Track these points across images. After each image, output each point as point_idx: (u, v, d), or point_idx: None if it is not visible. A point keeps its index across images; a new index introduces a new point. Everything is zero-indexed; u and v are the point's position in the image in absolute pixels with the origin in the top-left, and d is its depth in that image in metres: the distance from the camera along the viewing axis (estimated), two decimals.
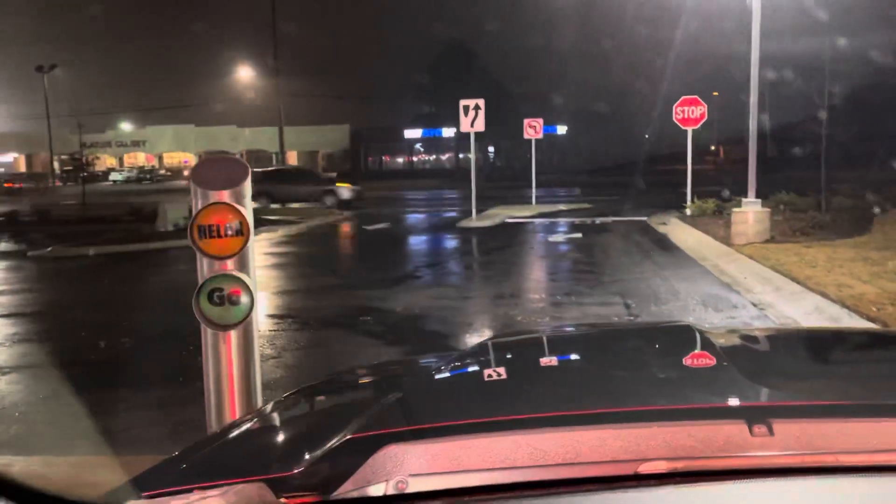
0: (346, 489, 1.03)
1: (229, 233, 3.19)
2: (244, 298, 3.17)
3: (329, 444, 1.21)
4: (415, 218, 22.52)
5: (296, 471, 1.15)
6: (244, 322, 3.18)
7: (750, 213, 12.13)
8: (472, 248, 14.48)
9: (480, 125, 17.87)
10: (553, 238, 14.83)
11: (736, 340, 2.01)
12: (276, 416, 1.68)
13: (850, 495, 0.95)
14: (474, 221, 18.20)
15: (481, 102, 17.74)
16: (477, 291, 9.42)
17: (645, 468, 1.00)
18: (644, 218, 17.82)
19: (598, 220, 17.95)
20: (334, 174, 33.95)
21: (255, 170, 26.93)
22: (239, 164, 3.34)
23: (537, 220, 18.71)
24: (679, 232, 14.64)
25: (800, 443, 1.07)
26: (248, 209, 3.22)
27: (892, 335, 2.87)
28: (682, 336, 2.05)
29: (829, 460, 1.02)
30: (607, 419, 1.20)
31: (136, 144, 73.13)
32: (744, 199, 12.72)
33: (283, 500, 1.05)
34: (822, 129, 16.27)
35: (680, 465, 1.00)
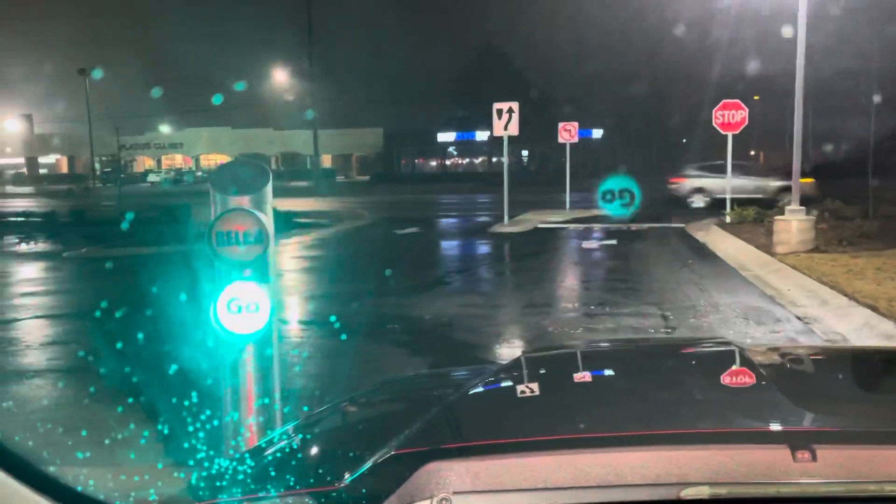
0: None
1: (249, 240, 3.08)
2: (263, 307, 3.07)
3: (373, 460, 1.20)
4: (446, 222, 22.34)
5: (340, 485, 1.15)
6: (263, 331, 3.08)
7: (793, 222, 11.68)
8: (504, 254, 14.22)
9: (514, 129, 17.61)
10: (587, 244, 14.50)
11: (778, 359, 1.94)
12: (318, 428, 1.68)
13: None
14: (506, 226, 17.93)
15: (515, 106, 17.48)
16: (507, 300, 9.18)
17: (688, 493, 0.98)
18: (682, 224, 17.37)
19: (634, 227, 17.55)
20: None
21: (696, 164, 23.18)
22: (260, 169, 3.23)
23: (571, 226, 18.37)
24: (718, 240, 14.20)
25: (844, 470, 1.05)
26: (269, 215, 3.12)
27: None
28: (722, 355, 2.01)
29: (874, 489, 0.99)
30: (649, 441, 1.19)
31: (174, 146, 74.30)
32: (787, 207, 12.27)
33: None
34: (869, 133, 15.66)
35: (723, 491, 0.98)
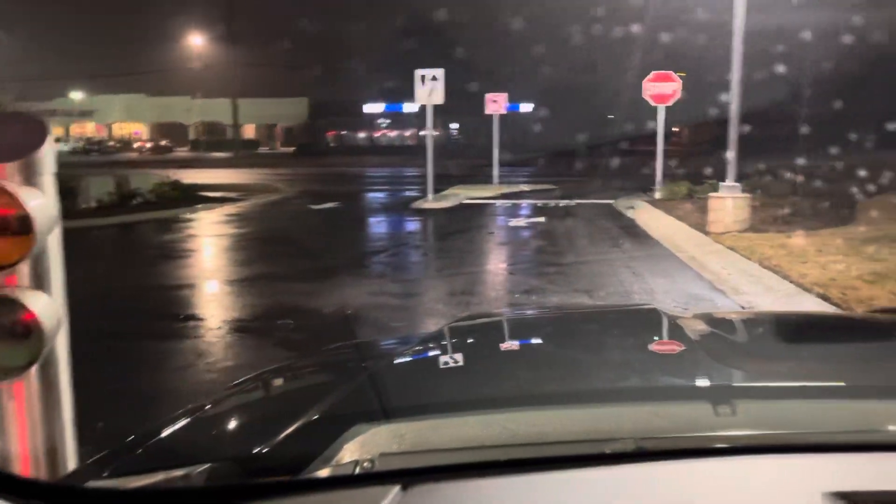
0: (315, 469, 1.00)
1: (12, 229, 1.90)
2: (42, 327, 1.91)
3: (296, 425, 1.17)
4: (368, 197, 21.18)
5: (263, 451, 1.11)
6: (43, 363, 1.95)
7: (729, 199, 11.06)
8: (426, 233, 13.20)
9: (439, 97, 16.50)
10: (514, 222, 13.62)
11: (702, 323, 1.91)
12: (239, 399, 1.61)
13: (817, 472, 0.90)
14: (430, 202, 16.90)
15: (439, 73, 16.36)
16: (422, 287, 8.17)
17: (613, 447, 0.97)
18: (610, 201, 16.73)
19: (563, 203, 16.79)
20: None
21: None
22: (32, 126, 2.04)
23: (498, 202, 17.49)
24: (649, 217, 13.54)
25: (765, 422, 1.08)
26: (45, 191, 1.94)
27: (860, 319, 2.78)
28: (648, 318, 2.04)
29: (796, 440, 1.00)
30: (574, 399, 1.22)
31: (84, 114, 69.93)
32: (721, 184, 11.64)
33: (251, 480, 1.01)
34: (800, 108, 15.26)
35: (648, 445, 0.98)
